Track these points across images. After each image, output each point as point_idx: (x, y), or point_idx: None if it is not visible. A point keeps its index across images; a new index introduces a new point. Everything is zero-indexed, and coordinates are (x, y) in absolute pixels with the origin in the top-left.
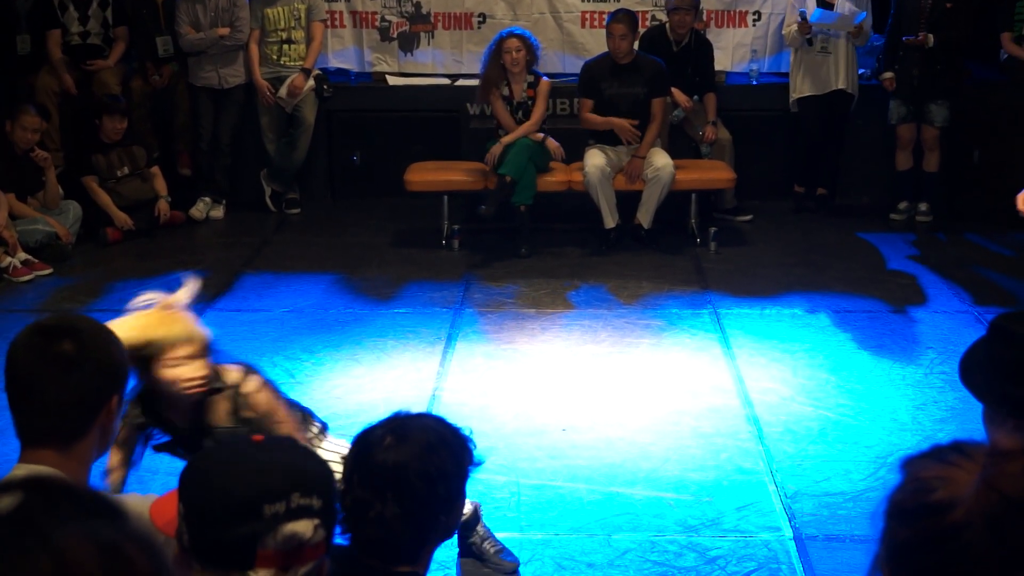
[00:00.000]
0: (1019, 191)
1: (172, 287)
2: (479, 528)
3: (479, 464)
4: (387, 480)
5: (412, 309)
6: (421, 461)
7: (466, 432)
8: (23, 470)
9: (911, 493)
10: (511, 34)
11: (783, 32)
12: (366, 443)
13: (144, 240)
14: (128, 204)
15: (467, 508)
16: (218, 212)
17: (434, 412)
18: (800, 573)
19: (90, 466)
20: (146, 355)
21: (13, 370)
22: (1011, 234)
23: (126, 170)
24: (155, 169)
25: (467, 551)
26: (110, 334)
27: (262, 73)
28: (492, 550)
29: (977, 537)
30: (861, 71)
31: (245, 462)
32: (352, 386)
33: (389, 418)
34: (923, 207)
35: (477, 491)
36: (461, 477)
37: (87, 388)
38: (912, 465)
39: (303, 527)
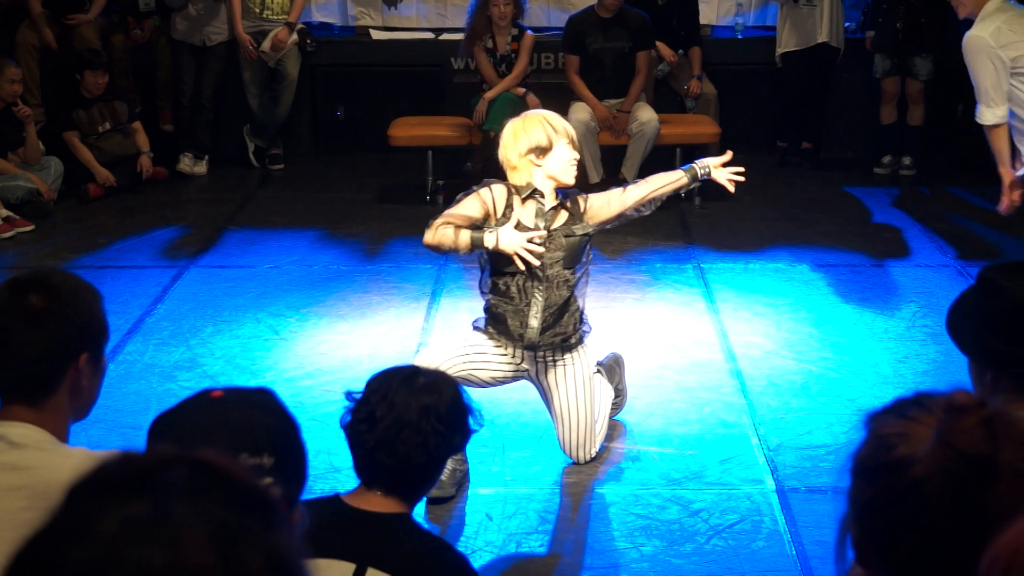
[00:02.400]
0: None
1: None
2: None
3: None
4: (427, 413)
5: (396, 265)
6: (456, 396)
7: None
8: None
9: (872, 450)
10: None
11: None
12: (398, 386)
13: (126, 196)
14: (110, 160)
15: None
16: (201, 168)
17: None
18: (782, 525)
19: (67, 425)
20: None
21: None
22: (994, 188)
23: (107, 125)
24: (137, 124)
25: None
26: (86, 290)
27: (244, 27)
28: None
29: (936, 493)
30: (847, 24)
31: (195, 426)
32: (337, 342)
33: (403, 367)
34: (907, 161)
35: None
36: (470, 427)
37: (51, 343)
38: (874, 421)
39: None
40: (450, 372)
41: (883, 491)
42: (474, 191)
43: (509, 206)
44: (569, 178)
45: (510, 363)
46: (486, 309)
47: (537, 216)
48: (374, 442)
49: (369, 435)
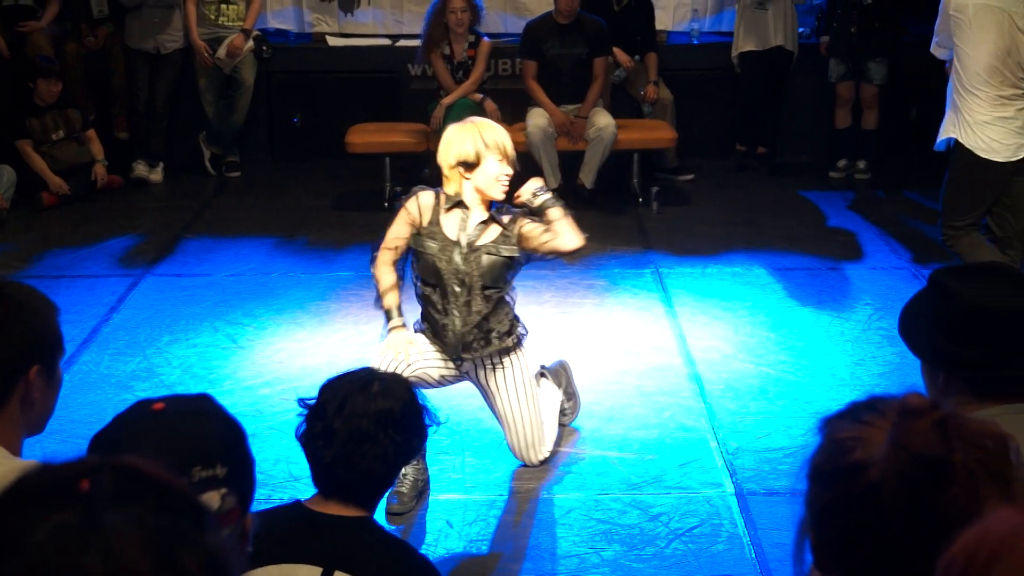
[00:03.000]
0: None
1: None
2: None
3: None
4: (382, 420)
5: (354, 272)
6: (410, 400)
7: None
8: None
9: (827, 455)
10: None
11: None
12: (352, 392)
13: (80, 205)
14: (63, 168)
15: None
16: (157, 176)
17: None
18: (741, 528)
19: (20, 439)
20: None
21: None
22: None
23: (61, 133)
24: (91, 133)
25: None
26: (38, 301)
27: (200, 34)
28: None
29: (891, 496)
30: (802, 29)
31: (140, 443)
32: (295, 350)
33: (362, 369)
34: (862, 164)
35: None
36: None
37: (2, 352)
38: (829, 426)
39: (208, 498)
40: (404, 373)
41: (839, 496)
42: (402, 206)
43: (437, 214)
44: (497, 194)
45: (450, 364)
46: (421, 312)
47: (460, 229)
48: (332, 457)
49: (327, 451)
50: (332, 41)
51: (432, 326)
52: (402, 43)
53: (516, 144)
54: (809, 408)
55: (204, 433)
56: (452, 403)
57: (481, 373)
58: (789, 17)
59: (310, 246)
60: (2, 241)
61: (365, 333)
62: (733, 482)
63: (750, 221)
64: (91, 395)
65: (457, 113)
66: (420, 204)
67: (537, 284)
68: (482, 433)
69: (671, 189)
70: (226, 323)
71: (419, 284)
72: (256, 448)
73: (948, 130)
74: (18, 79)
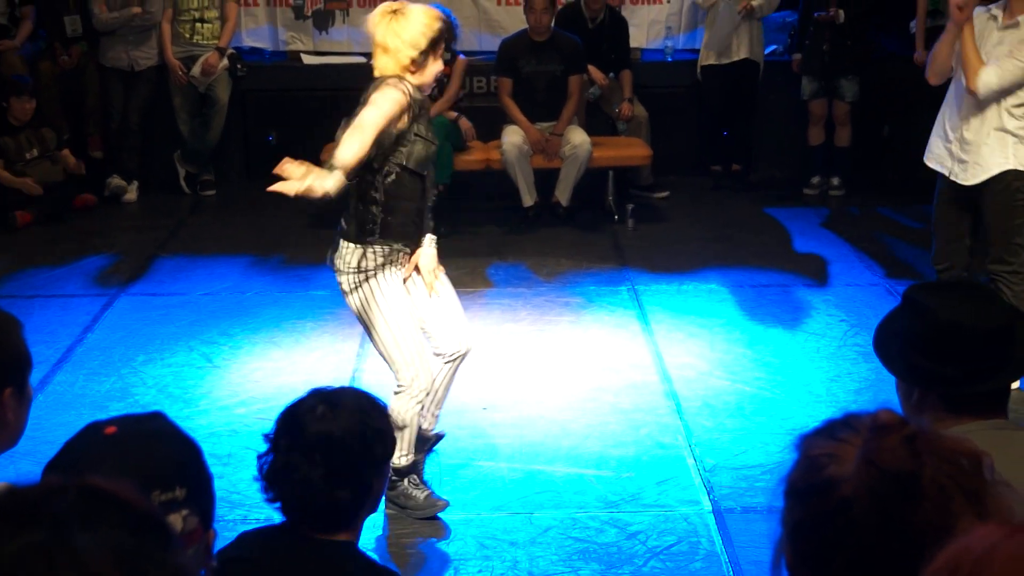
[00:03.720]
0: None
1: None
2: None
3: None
4: (320, 445)
5: (330, 290)
6: (358, 424)
7: (384, 402)
8: None
9: (802, 472)
10: None
11: (697, 0)
12: (296, 415)
13: (55, 224)
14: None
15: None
16: (131, 195)
17: None
18: (719, 545)
19: None
20: None
21: None
22: (921, 207)
23: (35, 152)
24: (65, 151)
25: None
26: (7, 323)
27: (174, 52)
28: (421, 496)
29: (863, 512)
30: (774, 47)
31: (96, 469)
32: (271, 369)
33: (313, 391)
34: (835, 181)
35: None
36: (392, 440)
37: None
38: (804, 443)
39: (171, 521)
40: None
41: (812, 512)
42: (394, 93)
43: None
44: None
45: (401, 278)
46: (373, 223)
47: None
48: (295, 503)
49: (290, 499)
50: (307, 59)
51: (403, 219)
52: None
53: (492, 161)
54: (786, 425)
55: (161, 456)
56: None
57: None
58: (755, 29)
59: (285, 265)
60: None
61: (341, 352)
62: (710, 499)
63: (725, 238)
64: (65, 415)
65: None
66: (411, 91)
67: (513, 302)
68: (459, 452)
69: (646, 206)
70: (201, 342)
71: (394, 177)
72: (232, 468)
73: (999, 163)
74: None
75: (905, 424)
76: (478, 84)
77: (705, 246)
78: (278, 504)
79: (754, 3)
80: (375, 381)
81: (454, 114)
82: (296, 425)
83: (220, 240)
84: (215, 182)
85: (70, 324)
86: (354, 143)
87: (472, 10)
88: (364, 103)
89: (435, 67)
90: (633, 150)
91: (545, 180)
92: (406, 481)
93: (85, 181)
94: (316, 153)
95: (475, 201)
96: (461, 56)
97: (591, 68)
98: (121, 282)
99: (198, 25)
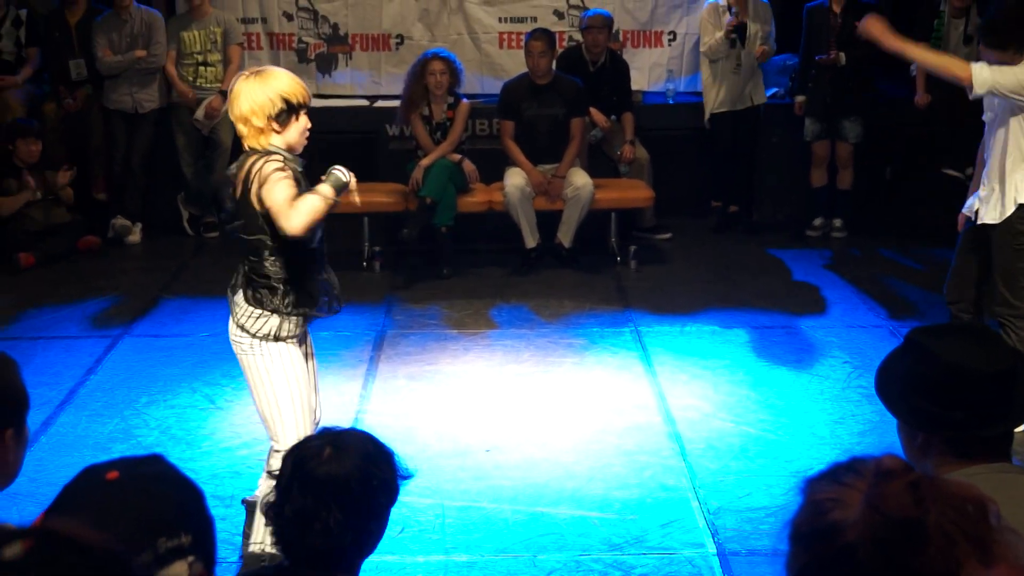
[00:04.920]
0: (928, 207)
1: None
2: None
3: (409, 476)
4: (328, 489)
5: (334, 331)
6: (363, 470)
7: (390, 447)
8: None
9: (807, 516)
10: (436, 56)
11: (701, 50)
12: (303, 456)
13: (59, 266)
14: (41, 229)
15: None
16: (135, 236)
17: None
18: None
19: None
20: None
21: None
22: (923, 249)
23: (39, 194)
24: (62, 177)
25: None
26: (4, 364)
27: (175, 96)
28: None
29: (867, 557)
30: (775, 89)
31: (99, 517)
32: None
33: (322, 431)
34: (837, 223)
35: (401, 513)
36: (397, 486)
37: None
38: (810, 487)
39: (177, 569)
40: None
41: (816, 556)
42: (280, 172)
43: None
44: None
45: (303, 350)
46: (283, 292)
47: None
48: (293, 542)
49: (289, 538)
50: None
51: (310, 296)
52: (380, 104)
53: (494, 203)
54: (790, 467)
55: (164, 501)
56: (432, 462)
57: (303, 338)
58: (758, 75)
59: None
60: None
61: (345, 393)
62: (715, 542)
63: (728, 279)
64: (68, 457)
65: (436, 174)
66: (285, 163)
67: (516, 343)
68: (462, 494)
69: (649, 248)
70: (204, 384)
71: (292, 257)
72: (235, 510)
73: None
74: None
75: (910, 470)
76: (480, 127)
77: (708, 287)
78: (279, 543)
79: (765, 47)
80: (378, 422)
81: (457, 156)
82: (301, 465)
83: (223, 281)
84: (218, 224)
85: (73, 366)
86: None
87: (474, 53)
88: (241, 178)
89: (302, 124)
90: (635, 192)
91: (548, 222)
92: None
93: (89, 223)
94: None
95: (478, 243)
96: (464, 99)
97: (593, 111)
98: (124, 323)
99: (201, 68)
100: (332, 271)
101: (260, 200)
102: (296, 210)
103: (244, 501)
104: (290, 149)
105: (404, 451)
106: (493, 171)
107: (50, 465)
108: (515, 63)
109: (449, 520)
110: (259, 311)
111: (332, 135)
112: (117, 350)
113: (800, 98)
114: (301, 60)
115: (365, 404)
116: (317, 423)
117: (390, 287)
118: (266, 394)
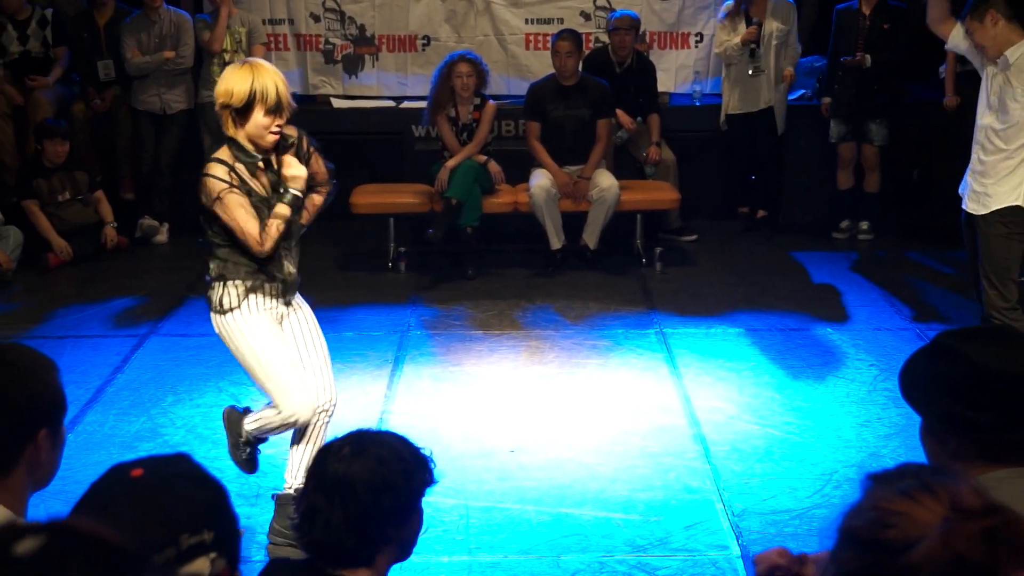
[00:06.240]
0: (956, 210)
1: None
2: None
3: (434, 483)
4: (336, 487)
5: (359, 332)
6: (371, 472)
7: (426, 453)
8: None
9: (869, 523)
10: (462, 58)
11: (715, 51)
12: (326, 452)
13: (86, 265)
14: (69, 229)
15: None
16: (162, 236)
17: None
18: None
19: (26, 499)
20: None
21: None
22: (950, 252)
23: (68, 195)
24: (99, 194)
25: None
26: (42, 365)
27: (205, 96)
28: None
29: None
30: (802, 91)
31: (124, 513)
32: None
33: (352, 432)
34: (864, 226)
35: (425, 514)
36: (411, 493)
37: (11, 420)
38: (875, 490)
39: (199, 565)
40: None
41: (870, 566)
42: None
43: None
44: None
45: (277, 320)
46: (230, 275)
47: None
48: (308, 536)
49: (305, 532)
50: (336, 103)
51: (259, 281)
52: (406, 105)
53: (520, 204)
54: (815, 470)
55: (188, 498)
56: (456, 463)
57: (287, 314)
58: (778, 76)
59: (314, 306)
60: (7, 301)
61: (370, 393)
62: (739, 545)
63: (754, 281)
64: (95, 455)
65: (462, 175)
66: (227, 168)
67: (541, 344)
68: (487, 495)
69: (674, 249)
70: (230, 383)
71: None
72: (259, 508)
73: (1008, 197)
74: (27, 138)
75: (989, 512)
76: (507, 128)
77: (733, 290)
78: (294, 532)
79: (790, 68)
80: (403, 423)
81: (483, 157)
82: (320, 460)
83: None
84: None
85: (100, 364)
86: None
87: (501, 55)
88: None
89: (257, 120)
90: (661, 194)
91: (573, 223)
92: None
93: (117, 223)
94: (345, 195)
95: (503, 244)
96: (490, 101)
97: (619, 112)
98: (151, 323)
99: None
100: (293, 263)
101: (208, 202)
102: (267, 236)
103: (274, 496)
104: (251, 141)
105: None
106: (518, 172)
107: (76, 463)
108: (541, 64)
109: (473, 521)
110: (219, 283)
111: (358, 136)
112: (144, 349)
113: (827, 99)
114: (328, 61)
115: (390, 404)
116: (327, 389)
117: (415, 288)
118: (250, 365)
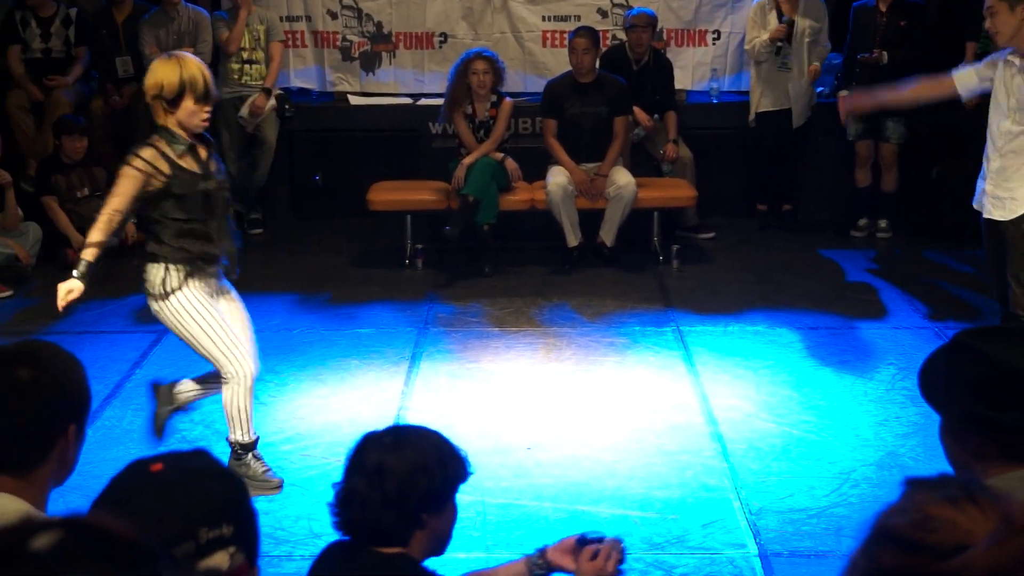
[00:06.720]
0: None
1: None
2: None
3: (468, 476)
4: (376, 471)
5: (376, 329)
6: (409, 458)
7: (463, 452)
8: None
9: (911, 523)
10: (479, 55)
11: (746, 48)
12: (367, 440)
13: (104, 261)
14: (88, 225)
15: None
16: None
17: None
18: None
19: (47, 494)
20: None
21: None
22: (967, 250)
23: (86, 191)
24: (130, 225)
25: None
26: (71, 362)
27: (224, 93)
28: (260, 469)
29: None
30: (821, 88)
31: (143, 507)
32: (317, 406)
33: (396, 425)
34: (882, 224)
35: None
36: (446, 480)
37: (43, 416)
38: (917, 493)
39: (218, 559)
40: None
41: (908, 566)
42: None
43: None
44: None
45: (215, 297)
46: (170, 258)
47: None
48: (342, 516)
49: (342, 513)
50: (354, 100)
51: (200, 259)
52: (423, 102)
53: (537, 202)
54: (833, 469)
55: (207, 493)
56: (473, 460)
57: (220, 291)
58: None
59: (332, 303)
60: (27, 297)
61: (387, 390)
62: (757, 543)
63: (771, 279)
64: (114, 451)
65: (478, 172)
66: (151, 158)
67: (558, 341)
68: (503, 491)
69: (692, 247)
70: None
71: (177, 225)
72: (278, 505)
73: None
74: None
75: None
76: (523, 125)
77: (751, 287)
78: (332, 516)
79: (816, 64)
80: (420, 419)
81: (500, 155)
82: (362, 448)
83: (267, 278)
84: (262, 221)
85: (119, 360)
86: (102, 217)
87: (517, 52)
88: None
89: (188, 108)
90: (678, 191)
91: (590, 221)
92: (250, 455)
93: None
94: (362, 192)
95: (520, 241)
96: (507, 98)
97: (636, 109)
98: None
99: (246, 66)
100: (232, 240)
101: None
102: (96, 229)
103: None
104: (182, 127)
105: None
106: (535, 169)
107: (95, 458)
108: (558, 61)
109: (490, 517)
110: (152, 264)
111: (375, 133)
112: (162, 345)
113: (843, 93)
114: (345, 58)
115: (407, 401)
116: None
117: (432, 285)
118: (195, 338)
